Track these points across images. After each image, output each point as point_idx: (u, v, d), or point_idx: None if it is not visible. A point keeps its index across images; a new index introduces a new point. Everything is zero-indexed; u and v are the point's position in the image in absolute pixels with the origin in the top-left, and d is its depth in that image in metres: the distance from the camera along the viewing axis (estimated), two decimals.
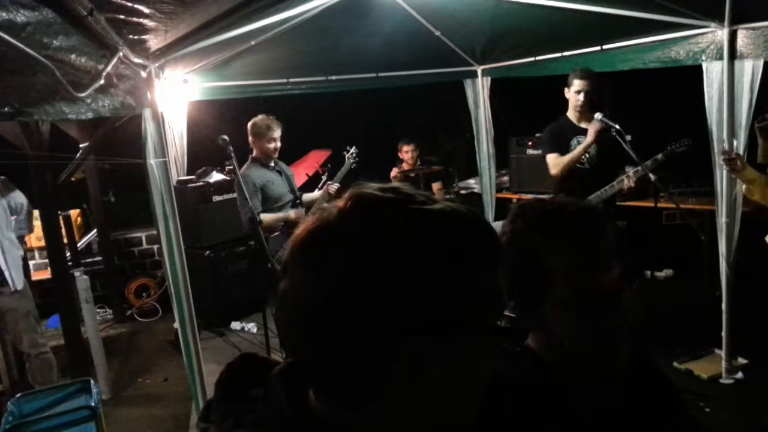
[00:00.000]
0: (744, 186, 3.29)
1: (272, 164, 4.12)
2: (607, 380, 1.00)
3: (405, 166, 5.70)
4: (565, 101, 3.89)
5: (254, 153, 4.10)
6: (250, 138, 4.09)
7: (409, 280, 0.53)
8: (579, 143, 3.80)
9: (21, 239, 4.00)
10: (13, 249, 3.70)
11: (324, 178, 5.05)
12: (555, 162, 3.82)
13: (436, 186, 5.76)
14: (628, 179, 3.65)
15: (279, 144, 4.06)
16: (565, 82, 3.84)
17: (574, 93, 3.78)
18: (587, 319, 0.95)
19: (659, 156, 3.66)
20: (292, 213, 4.02)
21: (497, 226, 0.71)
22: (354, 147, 4.40)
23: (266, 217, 3.92)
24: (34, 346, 3.79)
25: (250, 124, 4.07)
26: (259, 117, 4.06)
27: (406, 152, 5.65)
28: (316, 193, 4.40)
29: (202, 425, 0.64)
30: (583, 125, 3.83)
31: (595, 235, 0.97)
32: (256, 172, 4.01)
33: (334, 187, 4.24)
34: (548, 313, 0.96)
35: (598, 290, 0.94)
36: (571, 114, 3.88)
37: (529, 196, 5.50)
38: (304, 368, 0.59)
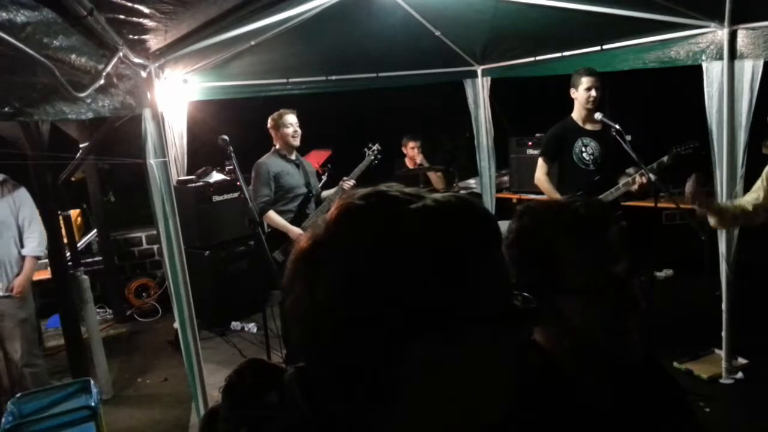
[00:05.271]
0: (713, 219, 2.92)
1: (292, 157, 4.18)
2: (615, 378, 1.00)
3: (408, 162, 5.68)
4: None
5: (276, 146, 4.16)
6: (271, 132, 4.15)
7: (395, 282, 0.53)
8: (583, 144, 3.80)
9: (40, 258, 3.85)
10: (10, 253, 3.63)
11: (324, 178, 5.05)
12: (541, 172, 3.96)
13: (433, 176, 5.69)
14: (641, 176, 3.58)
15: (298, 129, 4.10)
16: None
17: (584, 91, 3.73)
18: (598, 308, 0.96)
19: (665, 159, 3.59)
20: (296, 230, 3.96)
21: (503, 225, 0.71)
22: (377, 144, 4.40)
23: (273, 216, 3.99)
24: (24, 355, 3.60)
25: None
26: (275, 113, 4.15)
27: (412, 148, 5.62)
28: (333, 190, 4.40)
29: None
30: (588, 127, 3.83)
31: (602, 226, 0.99)
32: (272, 161, 4.09)
33: (349, 183, 4.24)
34: (560, 305, 0.97)
35: (608, 279, 0.95)
36: (576, 115, 3.87)
37: (530, 196, 5.50)
38: (317, 374, 0.59)
